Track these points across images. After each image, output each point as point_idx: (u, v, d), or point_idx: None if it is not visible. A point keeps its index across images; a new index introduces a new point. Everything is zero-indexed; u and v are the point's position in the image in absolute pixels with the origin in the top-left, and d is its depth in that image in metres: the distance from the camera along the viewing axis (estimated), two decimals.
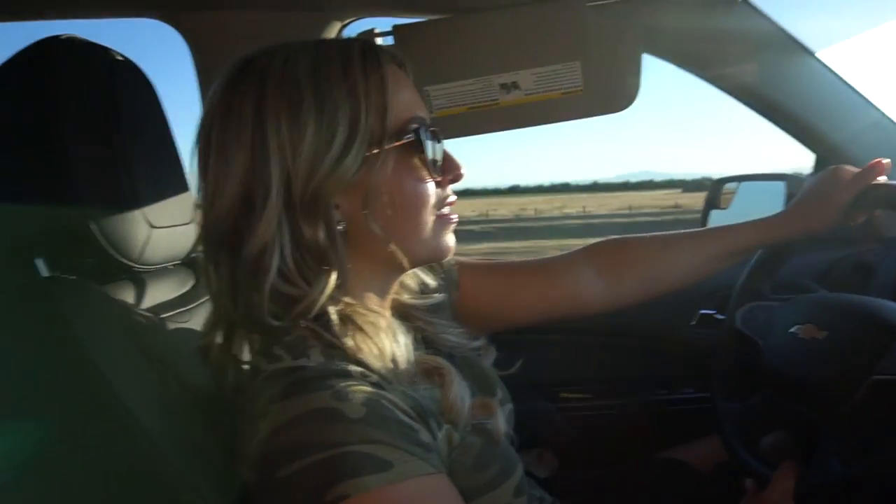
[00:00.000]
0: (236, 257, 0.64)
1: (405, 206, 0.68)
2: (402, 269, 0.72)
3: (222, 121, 0.64)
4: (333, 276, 0.64)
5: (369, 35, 1.20)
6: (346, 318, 0.64)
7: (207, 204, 0.65)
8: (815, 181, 0.97)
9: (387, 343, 0.65)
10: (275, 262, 0.62)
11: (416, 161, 0.68)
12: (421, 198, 0.68)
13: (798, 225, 0.95)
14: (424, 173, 0.69)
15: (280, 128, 0.62)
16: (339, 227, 0.66)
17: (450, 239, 0.73)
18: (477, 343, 0.85)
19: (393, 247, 0.67)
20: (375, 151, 0.64)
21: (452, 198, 0.74)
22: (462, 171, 0.73)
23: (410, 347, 0.68)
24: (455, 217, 0.74)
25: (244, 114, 0.63)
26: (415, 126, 0.68)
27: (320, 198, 0.63)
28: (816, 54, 1.33)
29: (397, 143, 0.66)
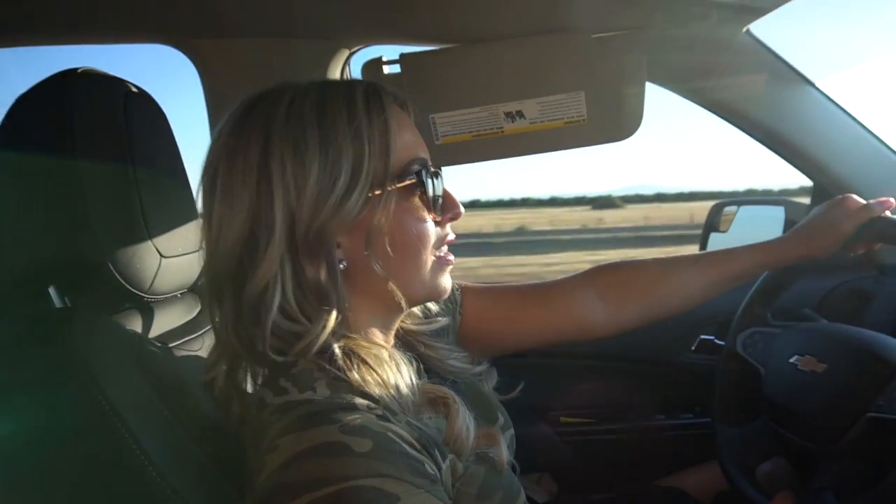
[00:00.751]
0: (239, 293, 0.65)
1: (406, 245, 0.69)
2: (400, 309, 0.72)
3: (228, 161, 0.65)
4: (334, 314, 0.65)
5: (377, 64, 1.22)
6: (349, 353, 0.64)
7: (212, 241, 0.66)
8: (823, 208, 0.98)
9: (390, 374, 0.66)
10: (276, 300, 0.64)
11: (418, 201, 0.70)
12: (422, 238, 0.70)
13: (799, 249, 0.96)
14: (425, 213, 0.70)
15: (285, 170, 0.63)
16: (341, 266, 0.67)
17: (446, 280, 0.75)
18: (480, 368, 0.86)
19: (392, 286, 0.68)
20: (378, 193, 0.66)
21: (451, 236, 0.75)
22: (461, 209, 0.74)
23: (414, 378, 0.69)
24: (452, 258, 0.75)
25: (250, 155, 0.64)
26: (416, 167, 0.69)
27: (323, 238, 0.64)
28: (817, 84, 1.35)
29: (399, 185, 0.68)
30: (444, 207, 0.73)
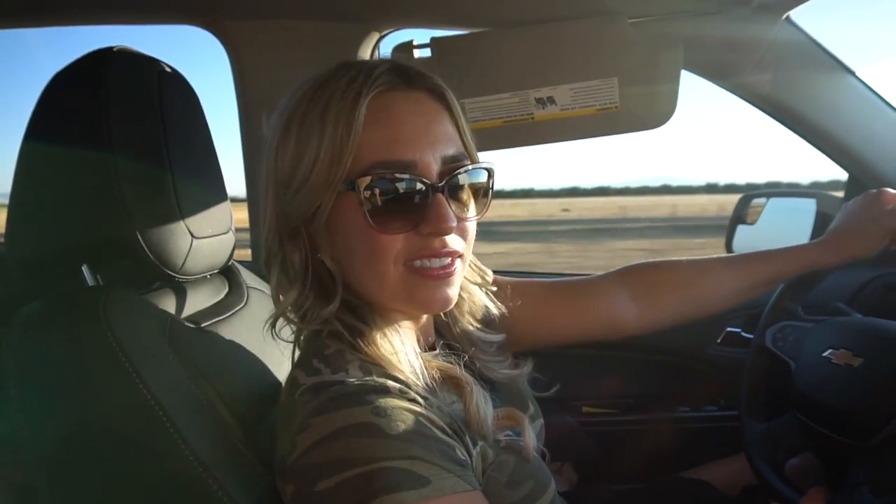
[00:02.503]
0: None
1: (358, 252, 0.67)
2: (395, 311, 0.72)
3: (271, 138, 0.70)
4: (338, 297, 0.69)
5: (407, 47, 1.21)
6: (352, 327, 0.67)
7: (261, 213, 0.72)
8: (858, 205, 0.95)
9: (396, 342, 0.68)
10: (292, 269, 0.69)
11: (371, 208, 0.64)
12: (373, 247, 0.65)
13: (841, 253, 0.93)
14: (369, 222, 0.64)
15: (276, 153, 0.68)
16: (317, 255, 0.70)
17: (430, 292, 0.67)
18: (525, 370, 0.83)
19: (357, 285, 0.70)
20: (330, 191, 0.65)
21: (437, 247, 0.67)
22: (448, 223, 0.64)
23: (420, 354, 0.69)
24: (438, 270, 0.67)
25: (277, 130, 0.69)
26: (378, 171, 0.64)
27: (291, 223, 0.68)
28: (857, 73, 1.31)
29: (347, 190, 0.64)
30: (426, 219, 0.65)
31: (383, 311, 0.71)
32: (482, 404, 0.68)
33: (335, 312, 0.68)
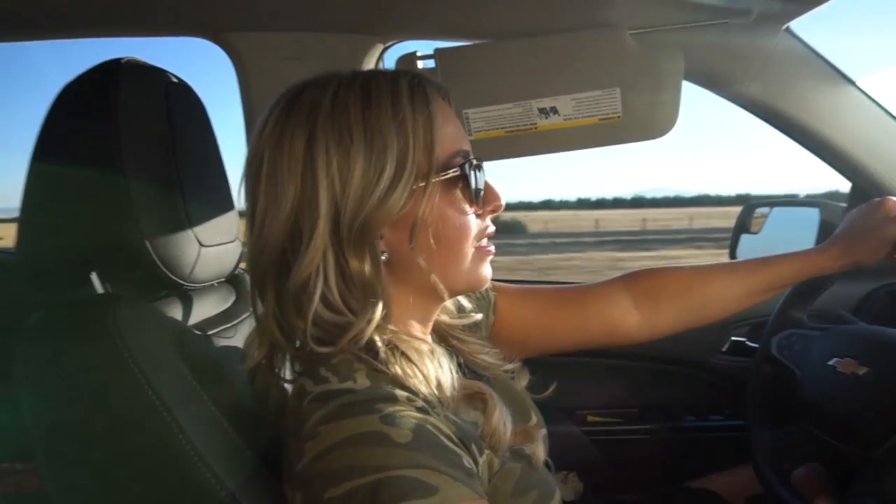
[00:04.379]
0: (282, 283, 0.66)
1: (448, 238, 0.68)
2: (441, 299, 0.73)
3: (273, 152, 0.65)
4: (379, 307, 0.65)
5: (411, 58, 1.22)
6: (391, 346, 0.65)
7: (256, 232, 0.67)
8: (862, 212, 0.96)
9: (431, 368, 0.66)
10: (319, 291, 0.64)
11: (460, 194, 0.69)
12: (463, 230, 0.70)
13: (843, 258, 0.93)
14: (467, 206, 0.70)
15: (331, 162, 0.63)
16: (383, 258, 0.67)
17: (487, 269, 0.74)
18: (511, 365, 0.85)
19: (434, 278, 0.68)
20: (422, 185, 0.65)
21: (491, 228, 0.75)
22: (502, 202, 0.73)
23: (454, 372, 0.69)
24: (492, 249, 0.75)
25: (295, 147, 0.64)
26: (460, 160, 0.69)
27: (367, 230, 0.64)
28: (858, 83, 1.32)
29: (443, 177, 0.67)
30: (486, 200, 0.72)
31: (425, 305, 0.74)
32: (504, 418, 0.68)
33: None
